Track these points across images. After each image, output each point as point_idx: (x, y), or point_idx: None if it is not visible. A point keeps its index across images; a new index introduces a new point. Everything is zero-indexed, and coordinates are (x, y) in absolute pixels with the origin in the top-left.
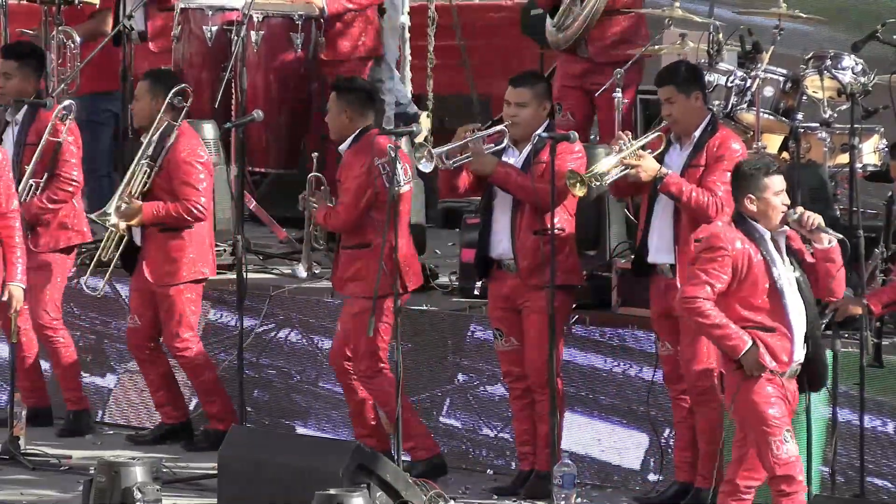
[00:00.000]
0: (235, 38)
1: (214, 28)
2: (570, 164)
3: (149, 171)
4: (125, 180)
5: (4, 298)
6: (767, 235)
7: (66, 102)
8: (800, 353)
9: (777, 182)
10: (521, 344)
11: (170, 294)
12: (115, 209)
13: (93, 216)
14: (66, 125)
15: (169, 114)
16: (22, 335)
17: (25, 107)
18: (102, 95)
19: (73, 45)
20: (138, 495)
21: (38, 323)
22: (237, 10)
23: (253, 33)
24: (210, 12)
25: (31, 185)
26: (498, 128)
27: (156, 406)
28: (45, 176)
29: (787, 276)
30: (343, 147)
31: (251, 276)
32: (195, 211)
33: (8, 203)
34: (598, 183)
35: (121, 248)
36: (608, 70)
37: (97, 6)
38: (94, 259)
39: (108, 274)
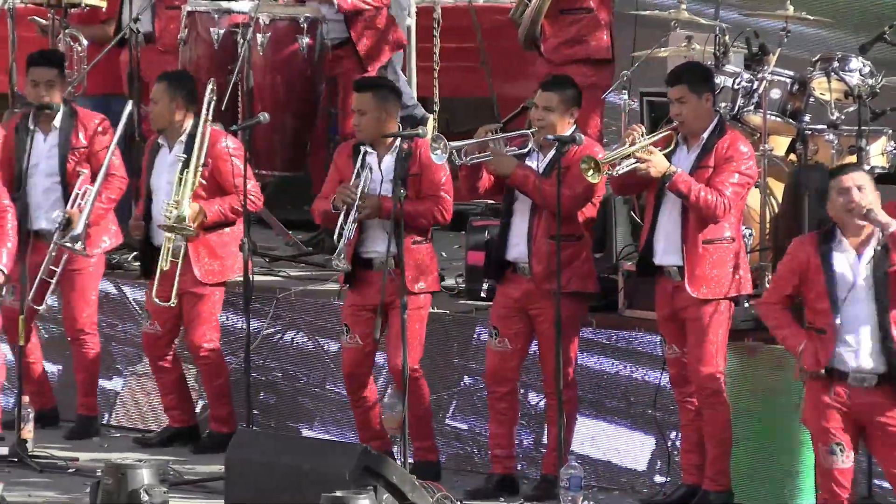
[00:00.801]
0: (242, 40)
1: (221, 31)
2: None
3: (194, 175)
4: (179, 187)
5: None
6: (839, 234)
7: (129, 104)
8: (866, 360)
9: (840, 181)
10: (515, 348)
11: (203, 293)
12: (177, 216)
13: (166, 223)
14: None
15: (185, 111)
16: (32, 338)
17: (62, 112)
18: (112, 97)
19: (79, 48)
20: (145, 497)
21: (75, 327)
22: (244, 13)
23: (259, 36)
24: (217, 15)
25: (86, 191)
26: (522, 131)
27: (165, 409)
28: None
29: (850, 278)
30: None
31: (258, 278)
32: (253, 199)
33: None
34: (610, 172)
35: (180, 256)
36: (564, 71)
37: (104, 9)
38: (158, 271)
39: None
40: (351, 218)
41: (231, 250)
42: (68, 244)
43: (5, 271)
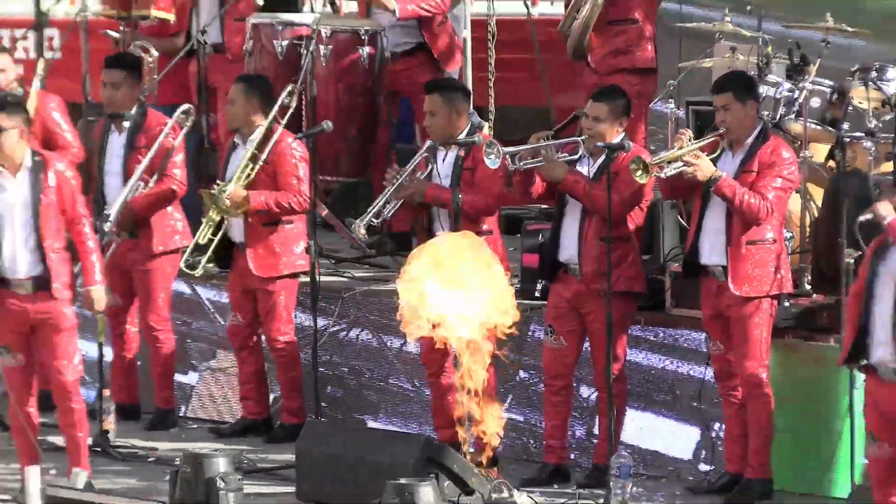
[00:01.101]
0: (305, 52)
1: (285, 42)
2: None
3: (252, 164)
4: (236, 172)
5: (90, 303)
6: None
7: (186, 107)
8: (883, 352)
9: None
10: (570, 345)
11: (272, 289)
12: (224, 196)
13: (207, 192)
14: (184, 129)
15: (260, 112)
16: (127, 335)
17: (135, 114)
18: (181, 105)
19: (150, 59)
20: (221, 485)
21: (147, 324)
22: (306, 25)
23: (322, 47)
24: (280, 27)
25: (140, 185)
26: (573, 138)
27: (241, 398)
28: (155, 176)
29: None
30: (461, 139)
31: (324, 279)
32: (301, 200)
33: (73, 209)
34: (657, 173)
35: (218, 234)
36: (609, 80)
37: (172, 22)
38: (192, 243)
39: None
40: (388, 193)
41: (289, 248)
42: (99, 226)
43: (102, 287)
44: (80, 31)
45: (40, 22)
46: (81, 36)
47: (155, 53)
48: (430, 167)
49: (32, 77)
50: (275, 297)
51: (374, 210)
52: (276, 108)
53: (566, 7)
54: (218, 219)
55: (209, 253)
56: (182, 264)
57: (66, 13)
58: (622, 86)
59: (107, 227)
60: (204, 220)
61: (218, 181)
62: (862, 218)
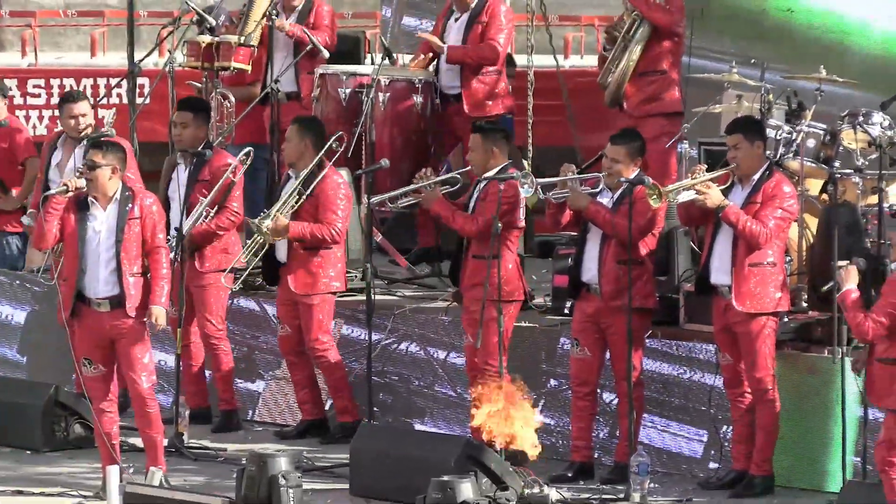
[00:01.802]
0: (366, 98)
1: (348, 90)
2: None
3: (298, 197)
4: (279, 202)
5: (152, 320)
6: None
7: (248, 149)
8: None
9: None
10: (594, 356)
11: (310, 303)
12: (266, 223)
13: (251, 220)
14: (244, 168)
15: (313, 151)
16: (192, 346)
17: (200, 151)
18: (256, 146)
19: (228, 105)
20: (283, 482)
21: (204, 333)
22: (367, 75)
23: (381, 94)
24: (344, 77)
25: (204, 214)
26: (596, 174)
27: (299, 403)
28: (216, 207)
29: None
30: (488, 175)
31: (378, 297)
32: (334, 234)
33: (153, 239)
34: (671, 200)
35: (259, 255)
36: (643, 123)
37: (249, 72)
38: (234, 261)
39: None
40: (409, 189)
41: (326, 270)
42: (173, 252)
43: (165, 309)
44: (168, 80)
45: (133, 72)
46: (169, 84)
47: (233, 100)
48: (470, 197)
49: (127, 121)
50: (313, 311)
51: (391, 196)
52: (323, 150)
53: (600, 63)
54: (260, 242)
55: (246, 271)
56: (222, 279)
57: (156, 64)
58: (654, 127)
59: (169, 245)
60: (247, 244)
61: (264, 209)
62: (825, 288)
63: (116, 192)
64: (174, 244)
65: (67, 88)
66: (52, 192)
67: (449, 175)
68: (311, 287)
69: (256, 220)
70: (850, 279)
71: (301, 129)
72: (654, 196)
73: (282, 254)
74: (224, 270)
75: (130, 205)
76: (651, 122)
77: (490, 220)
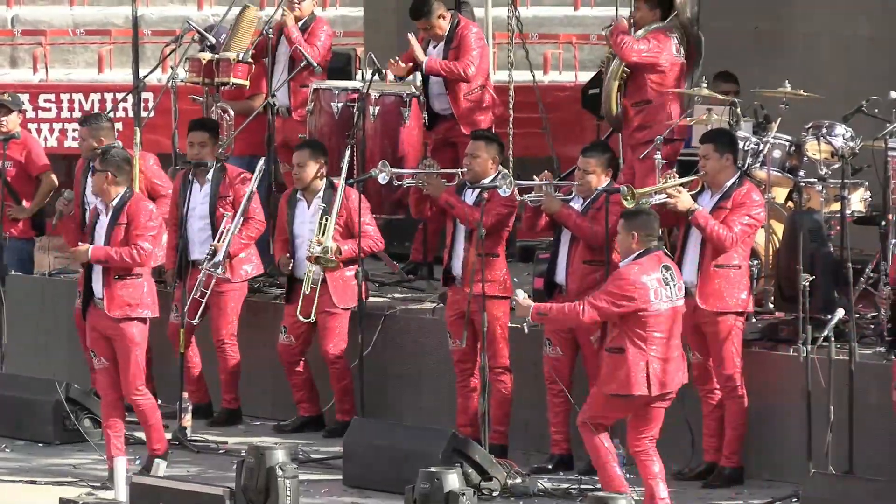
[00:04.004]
0: (357, 112)
1: (340, 104)
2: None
3: (328, 217)
4: (320, 229)
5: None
6: None
7: (262, 159)
8: None
9: None
10: (566, 354)
11: (339, 315)
12: (322, 249)
13: (312, 255)
14: (258, 177)
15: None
16: (190, 351)
17: (214, 168)
18: (255, 157)
19: (228, 118)
20: (280, 473)
21: (219, 338)
22: (358, 90)
23: (371, 108)
24: (337, 91)
25: (227, 228)
26: (569, 182)
27: (296, 402)
28: (241, 219)
29: None
30: (485, 182)
31: (370, 299)
32: (377, 241)
33: (133, 237)
34: (643, 201)
35: (318, 283)
36: (636, 149)
37: (247, 87)
38: (301, 295)
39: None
40: (415, 172)
41: (351, 286)
42: (211, 269)
43: (90, 250)
44: (171, 94)
45: (138, 87)
46: (172, 99)
47: (232, 113)
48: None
49: (132, 134)
50: (335, 320)
51: (397, 173)
52: (344, 174)
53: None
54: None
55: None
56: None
57: (159, 80)
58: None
59: (219, 271)
60: (307, 276)
61: (310, 241)
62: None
63: (115, 199)
64: (209, 261)
65: (77, 103)
66: (54, 219)
67: (451, 171)
68: (351, 300)
69: (317, 250)
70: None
71: (313, 154)
72: (628, 198)
73: (301, 271)
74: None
75: (122, 209)
76: (642, 148)
77: (503, 214)
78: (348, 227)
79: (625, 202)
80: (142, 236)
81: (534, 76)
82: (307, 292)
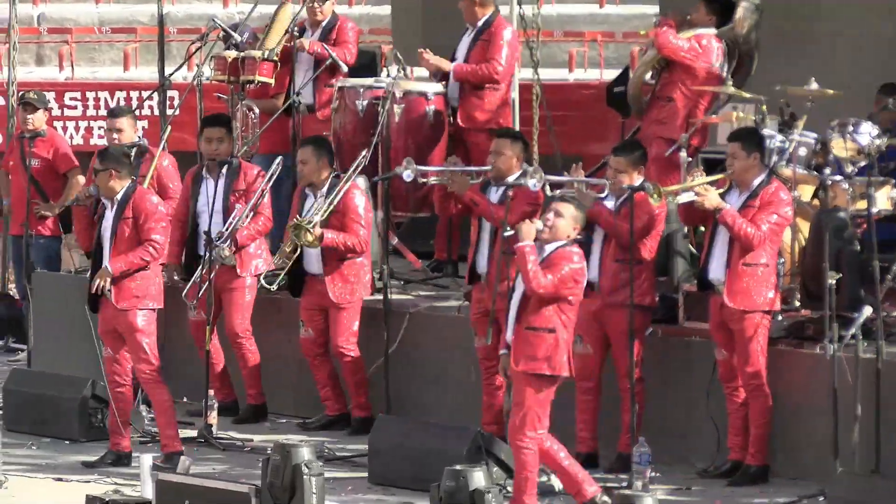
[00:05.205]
0: (381, 110)
1: (365, 102)
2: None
3: (329, 204)
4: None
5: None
6: None
7: (279, 159)
8: None
9: None
10: (596, 352)
11: (343, 309)
12: (303, 232)
13: (297, 221)
14: (274, 175)
15: (328, 168)
16: (212, 346)
17: (229, 163)
18: (279, 155)
19: (253, 116)
20: (305, 470)
21: (234, 333)
22: (383, 88)
23: (395, 106)
24: (362, 90)
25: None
26: (602, 180)
27: (322, 399)
28: (252, 213)
29: None
30: (510, 180)
31: (394, 297)
32: (362, 243)
33: (142, 233)
34: (670, 199)
35: (291, 260)
36: (650, 141)
37: (272, 85)
38: (283, 270)
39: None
40: (441, 169)
41: (360, 277)
42: (216, 254)
43: (110, 269)
44: (196, 92)
45: (163, 85)
46: (197, 97)
47: (257, 111)
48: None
49: (158, 132)
50: (344, 316)
51: (422, 171)
52: (350, 171)
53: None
54: (289, 249)
55: (283, 274)
56: (263, 280)
57: (185, 78)
58: (657, 148)
59: (225, 252)
60: (280, 249)
61: (296, 218)
62: (506, 234)
63: (119, 195)
64: (211, 252)
65: (102, 101)
66: (68, 202)
67: (477, 168)
68: (349, 294)
69: (308, 221)
70: (527, 235)
71: (315, 151)
72: (655, 195)
73: (312, 265)
74: (256, 275)
75: (127, 204)
76: (656, 142)
77: (528, 212)
78: (343, 223)
79: (651, 200)
80: (153, 229)
81: (537, 74)
82: (278, 265)
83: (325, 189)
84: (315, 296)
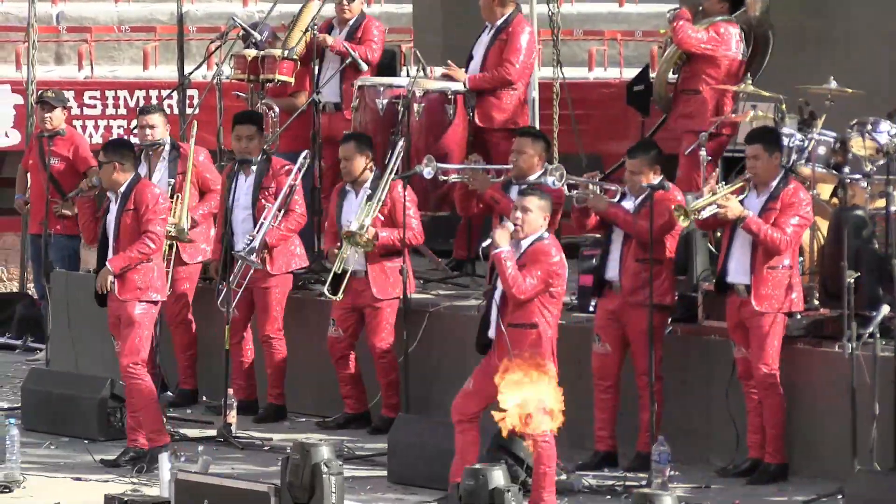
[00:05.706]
0: (402, 108)
1: (385, 101)
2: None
3: (377, 204)
4: (364, 214)
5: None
6: None
7: (305, 152)
8: None
9: None
10: (614, 351)
11: (383, 308)
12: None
13: (350, 228)
14: (302, 171)
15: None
16: (244, 343)
17: (260, 160)
18: (300, 153)
19: (273, 115)
20: (325, 469)
21: (265, 332)
22: (403, 87)
23: (415, 105)
24: (382, 88)
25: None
26: (615, 186)
27: (343, 397)
28: (284, 211)
29: None
30: (531, 179)
31: (414, 296)
32: (417, 235)
33: (142, 225)
34: (697, 216)
35: (342, 262)
36: (679, 136)
37: (292, 84)
38: (332, 274)
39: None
40: (462, 168)
41: (397, 278)
42: (245, 257)
43: (111, 268)
44: (216, 91)
45: (183, 84)
46: (217, 95)
47: (277, 110)
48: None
49: (177, 130)
50: (380, 314)
51: (443, 169)
52: (391, 167)
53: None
54: (349, 253)
55: (330, 277)
56: (327, 290)
57: (204, 76)
58: (686, 142)
59: (253, 256)
60: (340, 253)
61: (348, 220)
62: (484, 244)
63: (123, 186)
64: (246, 249)
65: (122, 100)
66: (72, 193)
67: (498, 167)
68: (391, 292)
69: (353, 226)
70: (502, 241)
71: (358, 147)
72: (682, 216)
73: (352, 264)
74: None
75: (128, 196)
76: (686, 136)
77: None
78: (392, 219)
79: (679, 221)
80: (152, 221)
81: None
82: (338, 271)
83: (367, 185)
84: (351, 295)
